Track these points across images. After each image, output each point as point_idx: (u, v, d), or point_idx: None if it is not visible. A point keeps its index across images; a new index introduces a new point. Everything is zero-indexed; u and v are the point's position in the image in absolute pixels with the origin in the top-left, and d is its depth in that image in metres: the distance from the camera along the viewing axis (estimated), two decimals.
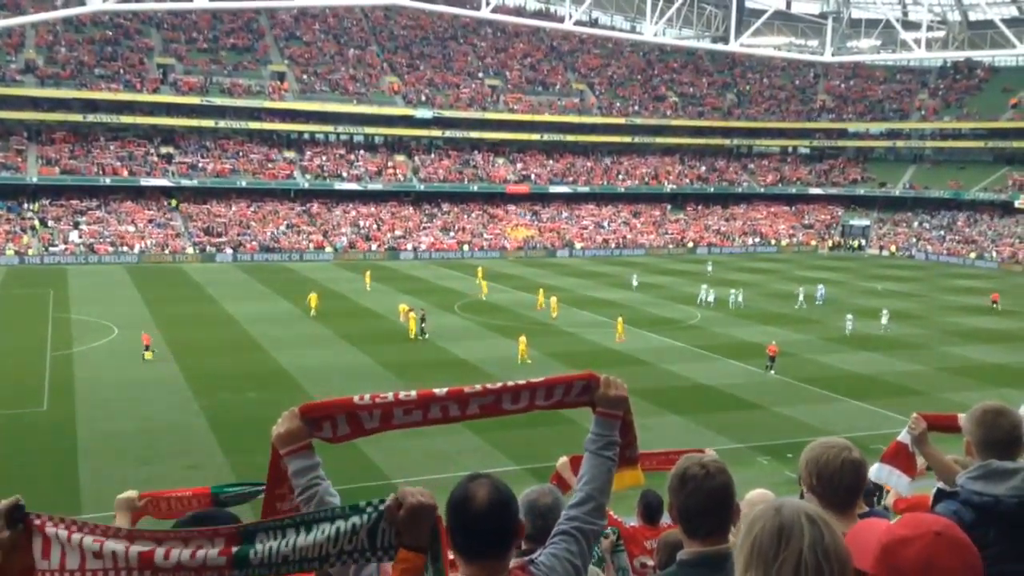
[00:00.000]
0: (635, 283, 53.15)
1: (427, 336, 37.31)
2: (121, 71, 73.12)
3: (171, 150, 73.82)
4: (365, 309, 44.42)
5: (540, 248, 74.86)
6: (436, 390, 2.75)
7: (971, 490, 2.75)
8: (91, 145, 71.53)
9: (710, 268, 53.24)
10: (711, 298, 47.49)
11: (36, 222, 64.97)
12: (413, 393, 2.73)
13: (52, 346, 34.74)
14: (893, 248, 79.53)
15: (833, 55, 55.69)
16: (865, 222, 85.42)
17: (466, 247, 72.32)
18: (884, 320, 41.46)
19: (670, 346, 36.99)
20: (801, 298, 48.25)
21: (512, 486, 2.55)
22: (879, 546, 1.91)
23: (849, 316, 41.79)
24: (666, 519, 5.93)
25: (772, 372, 32.46)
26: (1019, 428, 3.16)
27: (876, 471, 4.53)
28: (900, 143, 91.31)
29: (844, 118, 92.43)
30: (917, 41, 52.24)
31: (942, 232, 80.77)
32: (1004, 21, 58.34)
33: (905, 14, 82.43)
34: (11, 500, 2.25)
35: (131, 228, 66.85)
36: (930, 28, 69.59)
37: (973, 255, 74.24)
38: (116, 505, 4.09)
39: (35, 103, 69.21)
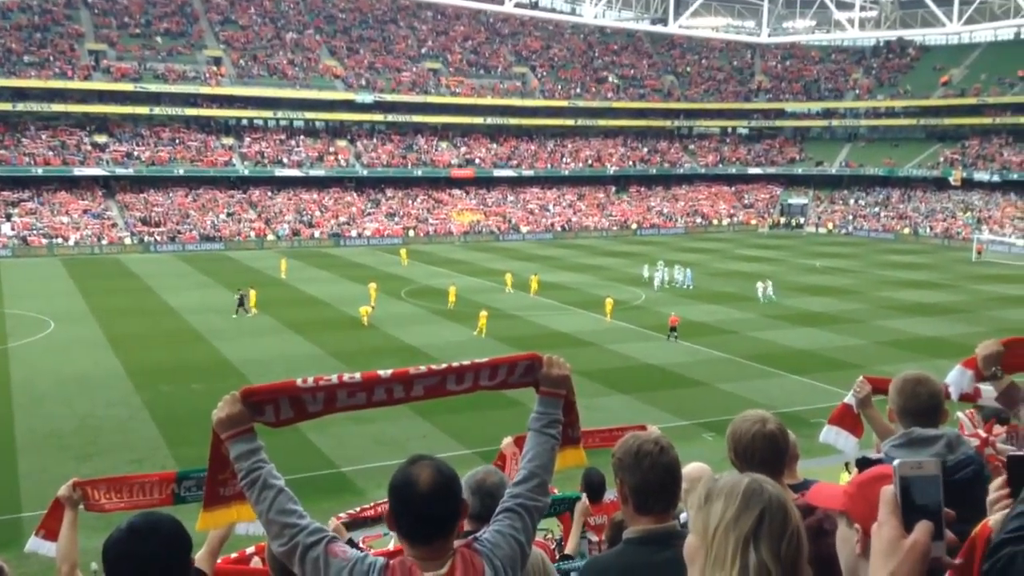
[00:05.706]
0: (645, 274, 49.52)
1: (242, 315, 38.57)
2: (51, 58, 71.02)
3: (105, 138, 72.00)
4: (310, 297, 43.99)
5: (486, 232, 74.77)
6: (380, 372, 2.75)
7: (895, 458, 2.85)
8: (21, 134, 69.43)
9: (661, 265, 52.89)
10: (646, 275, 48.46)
11: None
12: (357, 375, 2.73)
13: None
14: (830, 226, 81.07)
15: (769, 36, 56.46)
16: (803, 200, 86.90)
17: (411, 232, 71.92)
18: (760, 292, 43.01)
19: (616, 327, 37.30)
20: (658, 281, 47.44)
21: (461, 469, 2.58)
22: (855, 483, 1.92)
23: (760, 284, 43.59)
24: (608, 496, 6.03)
25: (678, 340, 34.15)
26: (938, 396, 3.28)
27: (824, 433, 4.69)
28: (836, 122, 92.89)
29: (781, 98, 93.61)
30: (851, 21, 53.26)
31: (877, 209, 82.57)
32: (934, 0, 59.64)
33: None
34: None
35: (65, 219, 65.17)
36: (863, 8, 70.81)
37: (907, 230, 76.08)
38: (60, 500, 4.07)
39: None
